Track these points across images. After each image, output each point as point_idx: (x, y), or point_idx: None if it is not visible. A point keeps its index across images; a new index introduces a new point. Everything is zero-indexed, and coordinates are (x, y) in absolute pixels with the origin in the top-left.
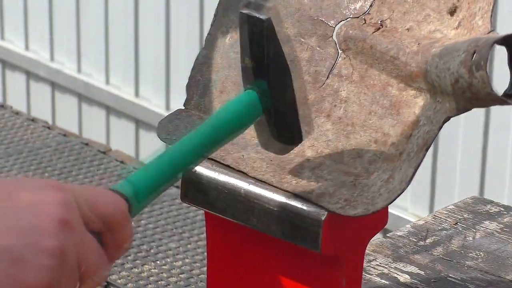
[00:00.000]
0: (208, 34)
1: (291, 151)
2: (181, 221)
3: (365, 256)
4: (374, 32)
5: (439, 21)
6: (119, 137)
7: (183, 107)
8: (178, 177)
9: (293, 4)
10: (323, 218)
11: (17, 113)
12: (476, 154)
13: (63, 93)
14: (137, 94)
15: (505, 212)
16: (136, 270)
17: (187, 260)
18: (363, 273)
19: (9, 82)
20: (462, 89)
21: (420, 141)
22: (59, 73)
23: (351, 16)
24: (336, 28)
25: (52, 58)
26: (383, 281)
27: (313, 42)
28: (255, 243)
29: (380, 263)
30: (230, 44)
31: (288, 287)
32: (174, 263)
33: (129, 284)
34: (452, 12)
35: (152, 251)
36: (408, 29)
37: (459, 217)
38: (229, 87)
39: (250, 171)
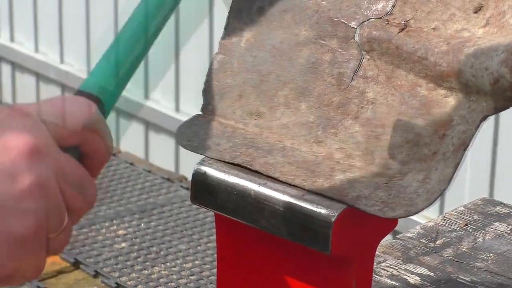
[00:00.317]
0: (222, 38)
1: (319, 154)
2: (191, 223)
3: (375, 258)
4: (399, 32)
5: (465, 20)
6: (128, 139)
7: (200, 113)
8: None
9: (310, 6)
10: (333, 219)
11: None
12: (486, 156)
13: None
14: (146, 96)
15: None
16: (146, 272)
17: (197, 262)
18: (373, 275)
19: (19, 84)
20: (503, 88)
21: (455, 141)
22: (68, 75)
23: (373, 17)
24: (358, 29)
25: (62, 60)
26: (393, 282)
27: (334, 43)
28: (265, 244)
29: (390, 265)
30: (246, 48)
31: None
32: (184, 264)
33: (139, 286)
34: (478, 10)
35: (162, 252)
36: (433, 29)
37: (469, 218)
38: (248, 91)
39: (280, 176)
